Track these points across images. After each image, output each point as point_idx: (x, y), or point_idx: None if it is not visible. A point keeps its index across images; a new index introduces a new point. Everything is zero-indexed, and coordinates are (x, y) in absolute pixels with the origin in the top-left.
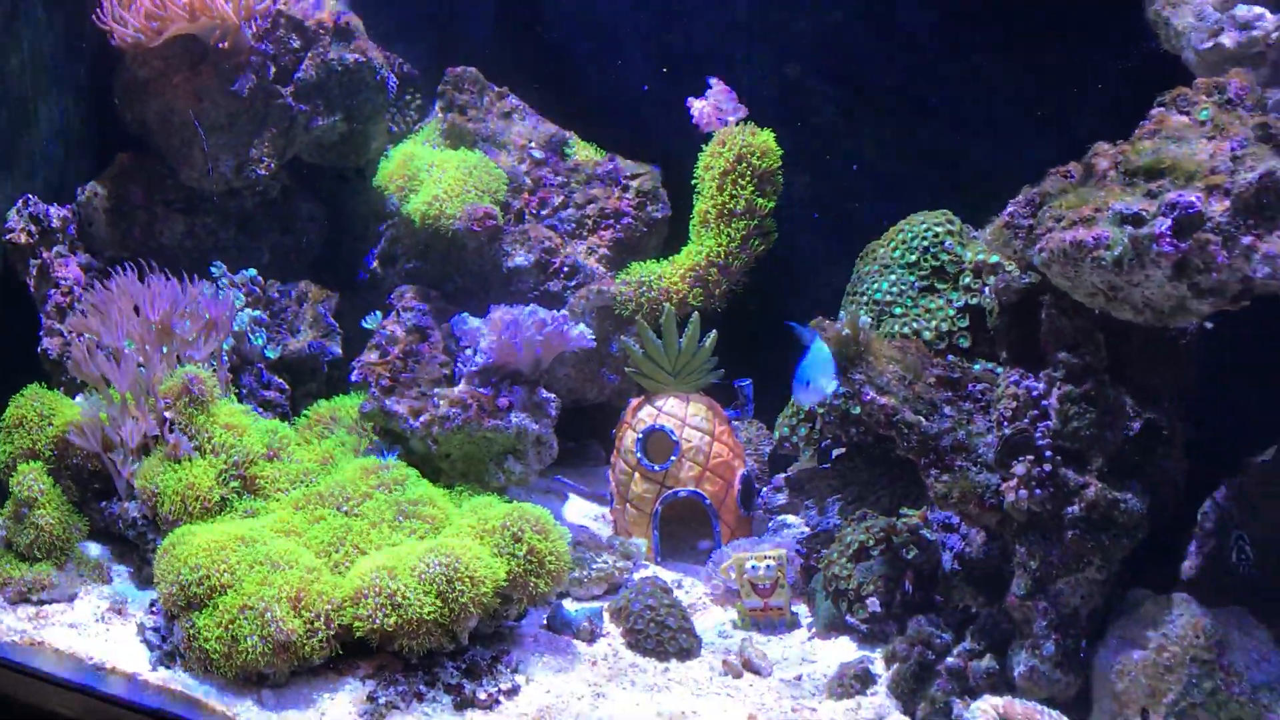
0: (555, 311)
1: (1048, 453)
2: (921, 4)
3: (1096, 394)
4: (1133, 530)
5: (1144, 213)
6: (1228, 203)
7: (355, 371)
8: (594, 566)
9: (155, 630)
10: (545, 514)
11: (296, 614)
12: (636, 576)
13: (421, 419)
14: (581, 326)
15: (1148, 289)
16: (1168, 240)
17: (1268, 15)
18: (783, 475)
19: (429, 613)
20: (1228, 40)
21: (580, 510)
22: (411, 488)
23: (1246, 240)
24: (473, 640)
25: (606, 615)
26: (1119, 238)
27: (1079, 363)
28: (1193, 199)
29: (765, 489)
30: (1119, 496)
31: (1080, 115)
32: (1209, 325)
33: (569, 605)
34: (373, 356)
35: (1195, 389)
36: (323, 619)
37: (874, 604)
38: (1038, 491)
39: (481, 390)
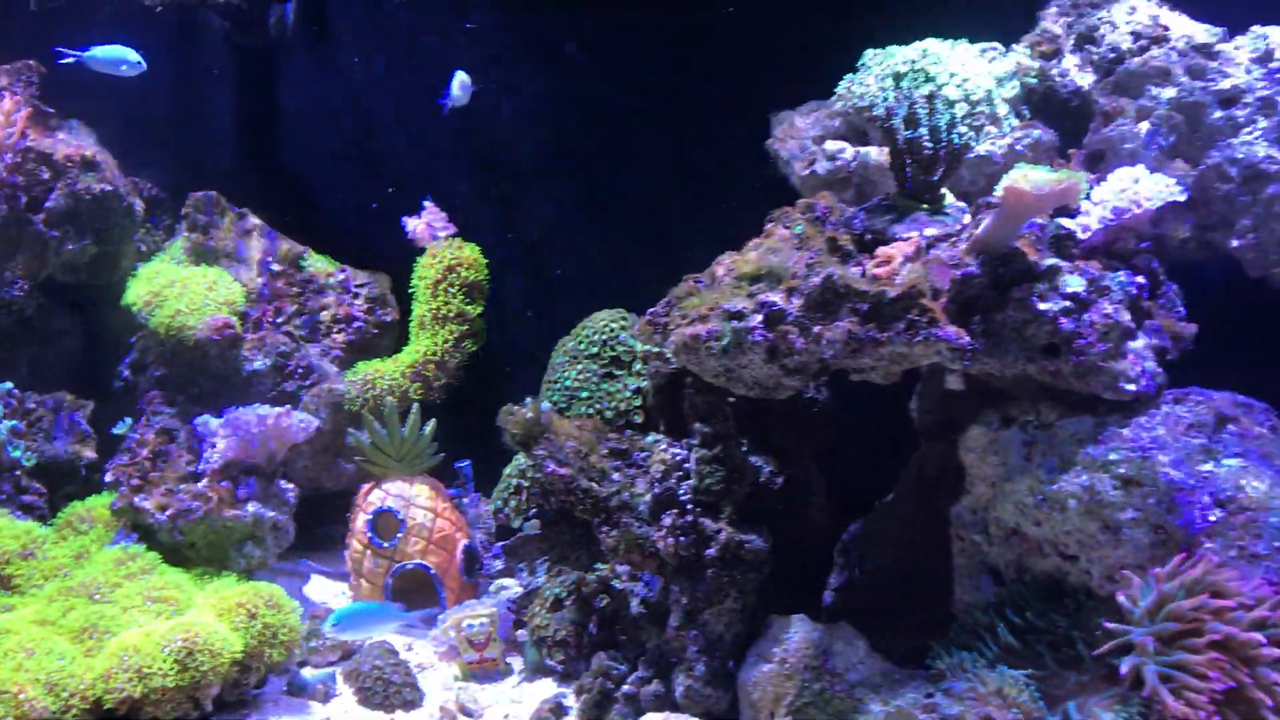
0: (283, 408)
1: (689, 506)
2: (605, 139)
3: (725, 456)
4: (759, 566)
5: (744, 310)
6: (801, 300)
7: (109, 473)
8: (328, 636)
9: None
10: (279, 591)
11: (50, 694)
12: (368, 642)
13: (168, 513)
14: (305, 418)
15: (753, 370)
16: (759, 332)
17: (849, 149)
18: (501, 544)
19: (172, 682)
20: (820, 168)
21: (323, 588)
22: (159, 575)
23: (816, 329)
24: (218, 707)
25: (340, 678)
26: (726, 331)
27: (710, 431)
28: (776, 299)
29: (488, 557)
30: (745, 539)
31: (732, 227)
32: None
33: (307, 671)
34: (124, 459)
35: (832, 446)
36: (76, 695)
37: (561, 634)
38: (682, 539)
39: (221, 484)
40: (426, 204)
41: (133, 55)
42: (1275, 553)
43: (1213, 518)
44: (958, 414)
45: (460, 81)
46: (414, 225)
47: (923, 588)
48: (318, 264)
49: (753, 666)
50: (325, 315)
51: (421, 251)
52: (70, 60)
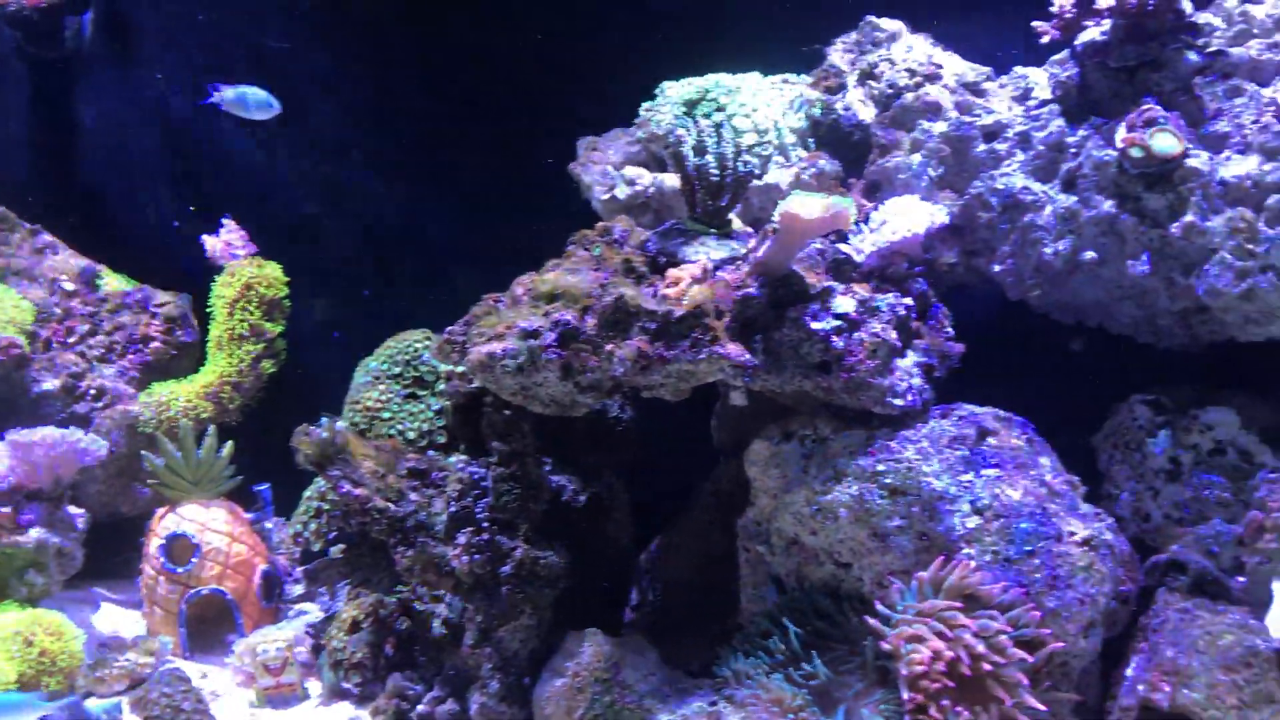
0: (69, 430)
1: (486, 523)
2: (414, 160)
3: (522, 474)
4: (554, 582)
5: (540, 329)
6: (595, 319)
7: None
8: (116, 665)
9: None
10: (59, 618)
11: None
12: (159, 670)
13: None
14: (94, 441)
15: (548, 388)
16: (553, 349)
17: (647, 175)
18: (301, 568)
19: None
20: (620, 194)
21: (115, 617)
22: None
23: (609, 348)
24: None
25: (127, 707)
26: (522, 349)
27: (507, 449)
28: (569, 317)
29: (289, 581)
30: (541, 555)
31: (540, 249)
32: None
33: (91, 702)
34: None
35: (637, 464)
36: None
37: (358, 656)
38: (477, 556)
39: (2, 509)
40: (225, 222)
41: None
42: (1026, 556)
43: (971, 524)
44: (749, 431)
45: (248, 95)
46: (213, 244)
47: (717, 599)
48: (115, 283)
49: (546, 682)
50: (120, 335)
51: (221, 270)
52: None
